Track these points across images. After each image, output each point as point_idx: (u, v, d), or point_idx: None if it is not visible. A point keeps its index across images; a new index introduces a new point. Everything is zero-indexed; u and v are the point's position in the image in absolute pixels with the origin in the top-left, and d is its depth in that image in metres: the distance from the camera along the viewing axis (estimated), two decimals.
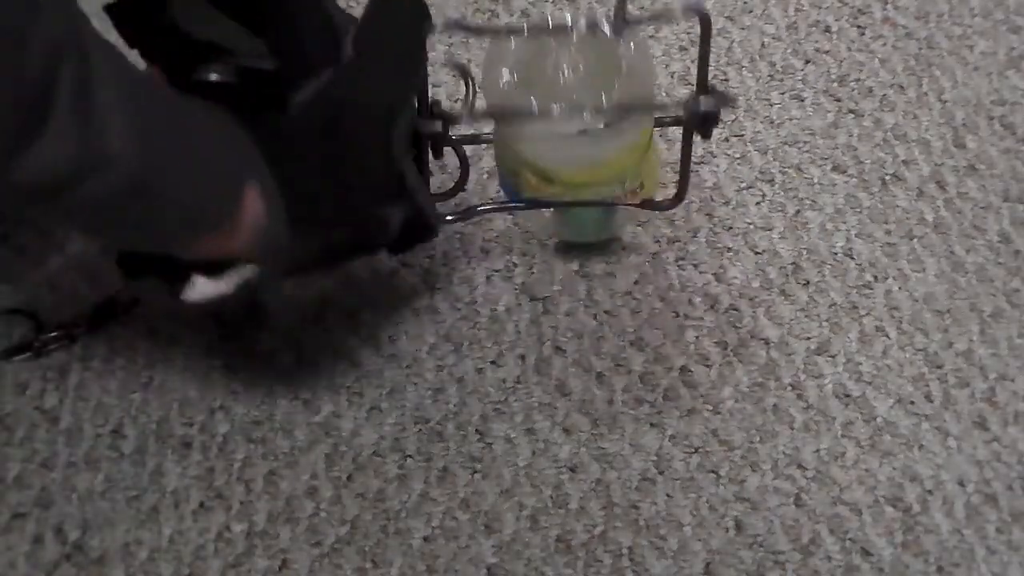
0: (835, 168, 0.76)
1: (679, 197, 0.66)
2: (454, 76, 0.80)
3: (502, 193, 0.69)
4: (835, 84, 0.81)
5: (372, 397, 0.67)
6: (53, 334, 0.68)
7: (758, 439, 0.65)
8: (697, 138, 0.62)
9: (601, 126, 0.60)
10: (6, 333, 0.69)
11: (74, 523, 0.62)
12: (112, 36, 0.48)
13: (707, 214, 0.74)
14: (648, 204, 0.67)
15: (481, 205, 0.68)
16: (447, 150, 0.63)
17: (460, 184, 0.66)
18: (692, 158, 0.65)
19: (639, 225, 0.73)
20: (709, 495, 0.63)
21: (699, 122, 0.61)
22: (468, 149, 0.66)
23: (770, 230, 0.73)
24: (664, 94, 0.80)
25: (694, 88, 0.61)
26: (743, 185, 0.76)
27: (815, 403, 0.66)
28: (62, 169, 0.40)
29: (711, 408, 0.66)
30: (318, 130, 0.54)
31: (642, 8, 0.85)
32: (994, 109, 0.79)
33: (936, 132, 0.78)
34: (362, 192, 0.58)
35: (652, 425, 0.65)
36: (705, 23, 0.58)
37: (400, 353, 0.68)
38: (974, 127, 0.78)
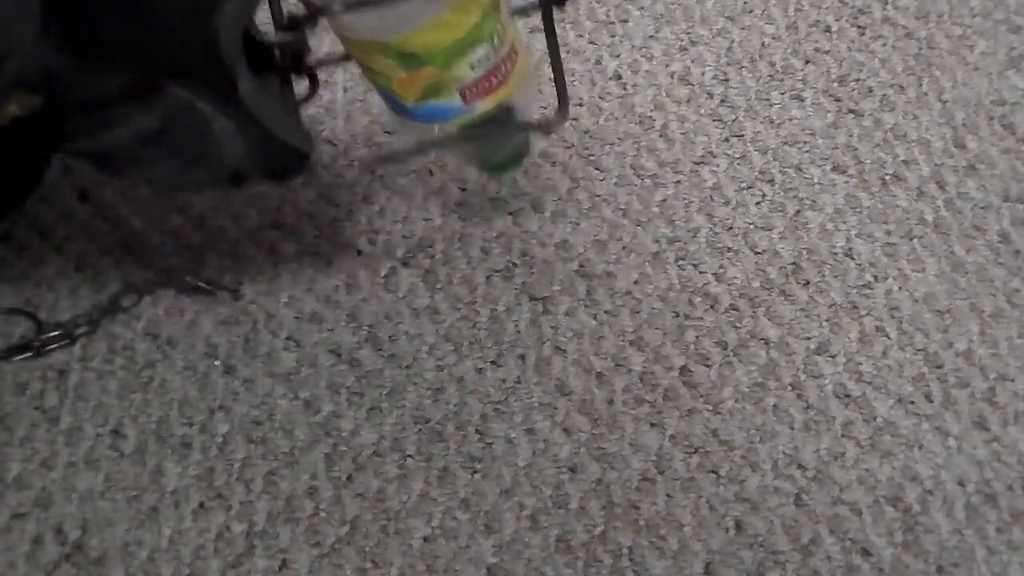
0: (835, 168, 0.76)
1: (562, 108, 0.64)
2: None
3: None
4: (835, 84, 0.81)
5: (372, 397, 0.67)
6: (53, 334, 0.68)
7: (758, 439, 0.65)
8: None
9: None
10: (6, 333, 0.69)
11: (74, 523, 0.62)
12: None
13: (707, 214, 0.74)
14: (537, 126, 0.65)
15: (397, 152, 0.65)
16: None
17: (305, 99, 0.62)
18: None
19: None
20: (709, 495, 0.63)
21: None
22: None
23: (770, 230, 0.73)
24: (664, 94, 0.81)
25: None
26: (743, 185, 0.76)
27: (815, 403, 0.66)
28: None
29: (711, 408, 0.66)
30: None
31: None
32: (994, 109, 0.79)
33: (936, 132, 0.78)
34: (162, 49, 0.52)
35: (652, 425, 0.65)
36: None
37: (400, 353, 0.68)
38: (974, 127, 0.78)
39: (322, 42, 0.79)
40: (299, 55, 0.58)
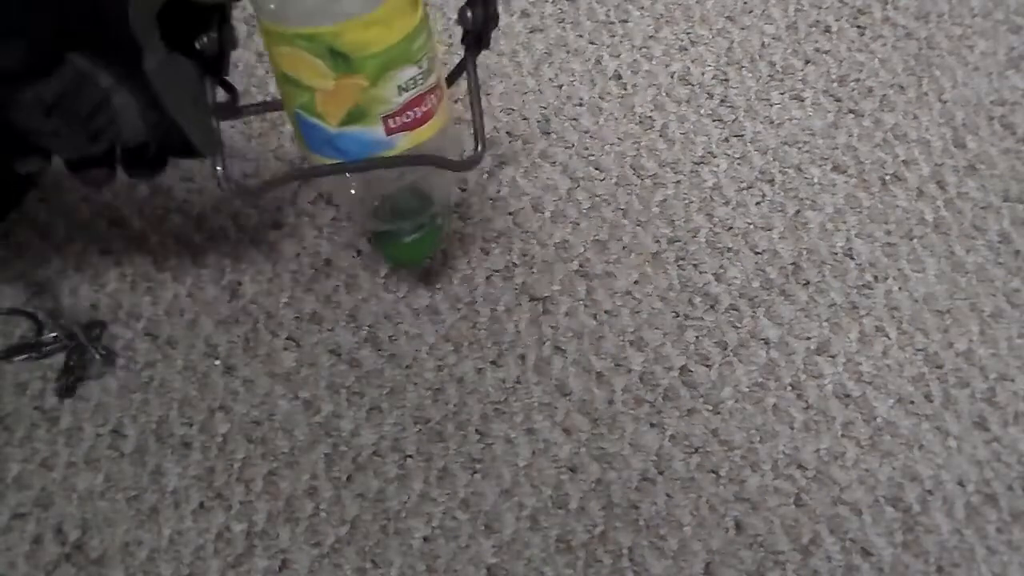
0: (835, 168, 0.77)
1: (478, 148, 0.64)
2: None
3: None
4: (835, 84, 0.81)
5: (372, 397, 0.67)
6: (53, 334, 0.68)
7: (758, 439, 0.65)
8: None
9: None
10: (6, 333, 0.69)
11: (74, 523, 0.62)
12: None
13: (707, 214, 0.74)
14: (453, 164, 0.64)
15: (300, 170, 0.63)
16: None
17: (233, 101, 0.62)
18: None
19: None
20: (709, 495, 0.63)
21: (475, 35, 0.58)
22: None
23: (770, 230, 0.73)
24: (664, 94, 0.81)
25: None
26: (743, 185, 0.76)
27: (815, 403, 0.66)
28: None
29: (711, 408, 0.66)
30: None
31: None
32: (994, 109, 0.79)
33: (936, 132, 0.78)
34: (70, 17, 0.51)
35: (652, 425, 0.65)
36: None
37: (400, 353, 0.68)
38: (974, 127, 0.78)
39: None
40: (221, 55, 0.57)
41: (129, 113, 0.56)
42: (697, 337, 0.69)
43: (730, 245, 0.73)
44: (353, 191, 0.66)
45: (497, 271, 0.72)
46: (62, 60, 0.54)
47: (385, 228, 0.67)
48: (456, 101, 0.72)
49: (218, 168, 0.60)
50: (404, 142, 0.61)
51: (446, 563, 0.61)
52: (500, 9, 0.82)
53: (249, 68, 0.83)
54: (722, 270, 0.72)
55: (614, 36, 0.84)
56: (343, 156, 0.61)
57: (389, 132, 0.60)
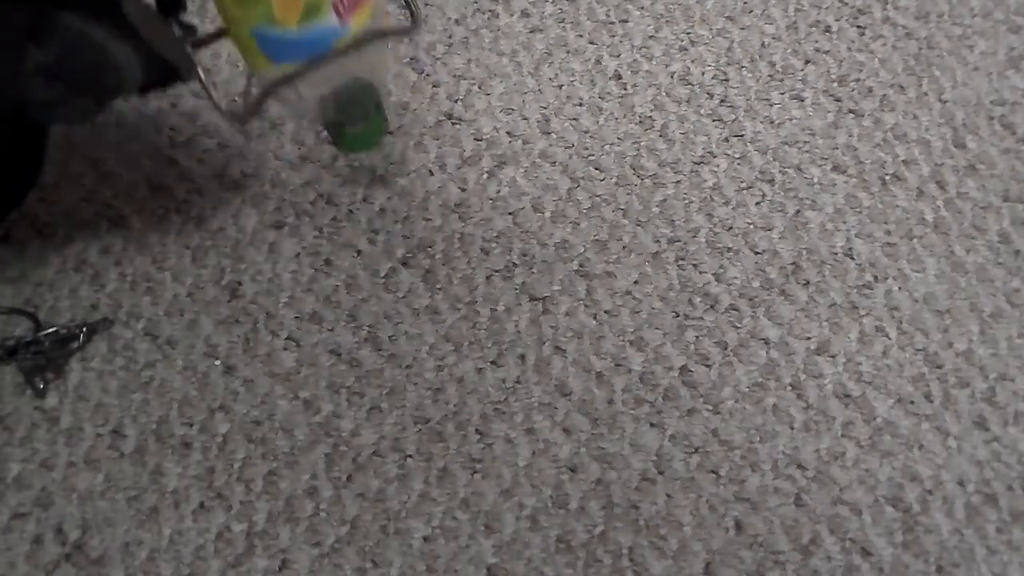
0: (835, 168, 0.76)
1: (415, 19, 0.66)
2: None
3: None
4: (835, 84, 0.81)
5: (372, 397, 0.67)
6: (52, 329, 0.68)
7: (758, 439, 0.65)
8: None
9: None
10: (6, 333, 0.69)
11: (74, 523, 0.62)
12: None
13: (707, 214, 0.74)
14: (402, 30, 0.67)
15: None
16: None
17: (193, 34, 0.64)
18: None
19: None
20: (709, 495, 0.63)
21: None
22: None
23: (770, 230, 0.73)
24: (664, 94, 0.81)
25: None
26: (743, 185, 0.76)
27: (815, 403, 0.66)
28: None
29: (711, 408, 0.66)
30: None
31: None
32: (994, 109, 0.79)
33: (936, 132, 0.78)
34: None
35: (652, 425, 0.65)
36: None
37: (400, 353, 0.68)
38: (974, 127, 0.78)
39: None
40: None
41: (130, 63, 0.57)
42: (697, 337, 0.69)
43: (730, 245, 0.73)
44: (307, 92, 0.68)
45: (497, 271, 0.72)
46: (55, 20, 0.55)
47: (338, 120, 0.70)
48: None
49: (211, 89, 0.63)
50: (353, 24, 0.64)
51: (446, 563, 0.61)
52: (501, 9, 0.82)
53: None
54: (722, 270, 0.72)
55: (614, 36, 0.84)
56: (307, 55, 0.63)
57: (341, 18, 0.63)
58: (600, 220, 0.74)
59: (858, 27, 0.85)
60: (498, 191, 0.75)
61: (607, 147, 0.78)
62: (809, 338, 0.69)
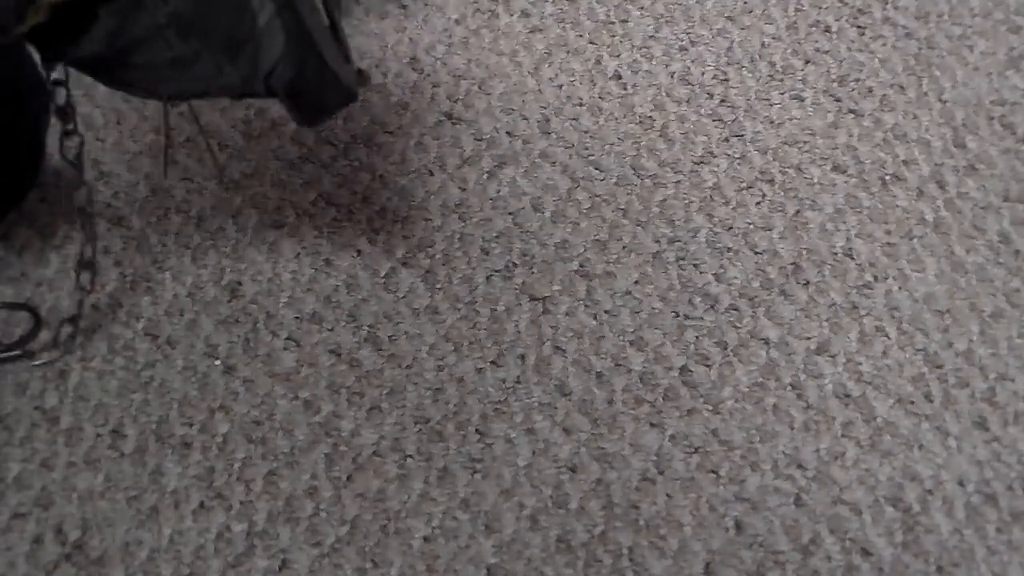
0: (835, 168, 0.76)
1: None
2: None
3: None
4: (835, 84, 0.81)
5: (372, 397, 0.67)
6: (50, 326, 0.68)
7: (758, 439, 0.65)
8: None
9: None
10: (6, 332, 0.69)
11: (74, 523, 0.62)
12: None
13: (707, 214, 0.74)
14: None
15: None
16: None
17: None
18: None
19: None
20: (709, 495, 0.63)
21: None
22: None
23: (770, 230, 0.73)
24: (664, 94, 0.81)
25: None
26: (743, 185, 0.76)
27: (815, 403, 0.66)
28: None
29: (711, 408, 0.66)
30: None
31: None
32: (994, 109, 0.79)
33: (936, 132, 0.78)
34: None
35: (652, 425, 0.65)
36: None
37: (400, 353, 0.68)
38: (974, 127, 0.78)
39: None
40: None
41: (274, 40, 0.54)
42: (697, 337, 0.69)
43: (730, 245, 0.73)
44: None
45: (497, 271, 0.72)
46: None
47: None
48: None
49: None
50: None
51: (446, 563, 0.61)
52: (501, 9, 0.82)
53: None
54: (722, 270, 0.72)
55: (614, 36, 0.84)
56: None
57: None
58: (600, 220, 0.74)
59: (858, 27, 0.85)
60: (498, 191, 0.75)
61: (607, 147, 0.78)
62: (809, 338, 0.69)
